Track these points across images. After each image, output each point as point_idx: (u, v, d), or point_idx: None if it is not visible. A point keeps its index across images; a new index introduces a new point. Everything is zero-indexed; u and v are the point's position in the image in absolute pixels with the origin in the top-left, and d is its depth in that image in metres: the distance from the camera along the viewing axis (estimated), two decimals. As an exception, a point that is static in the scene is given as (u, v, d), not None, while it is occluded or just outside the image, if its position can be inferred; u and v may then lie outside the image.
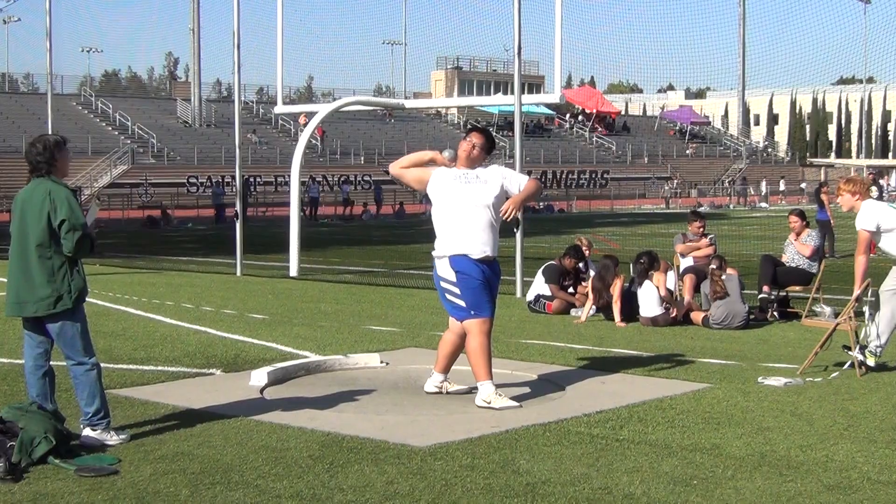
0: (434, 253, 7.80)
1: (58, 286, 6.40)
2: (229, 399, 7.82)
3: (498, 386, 7.71)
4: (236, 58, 19.62)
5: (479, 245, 7.62)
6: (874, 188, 24.19)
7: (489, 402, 7.56)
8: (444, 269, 7.71)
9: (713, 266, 12.26)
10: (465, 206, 7.64)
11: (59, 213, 6.34)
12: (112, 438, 6.50)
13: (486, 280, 7.68)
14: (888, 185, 64.71)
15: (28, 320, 6.56)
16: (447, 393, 8.06)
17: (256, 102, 72.48)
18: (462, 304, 7.65)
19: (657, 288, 12.12)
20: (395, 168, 8.01)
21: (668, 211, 54.61)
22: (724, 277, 12.04)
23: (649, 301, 12.11)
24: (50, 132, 19.43)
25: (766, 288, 12.69)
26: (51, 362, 6.68)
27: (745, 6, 77.39)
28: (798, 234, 13.13)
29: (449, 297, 7.72)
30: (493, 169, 7.91)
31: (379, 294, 15.76)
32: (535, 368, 9.18)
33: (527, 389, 8.28)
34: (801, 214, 13.38)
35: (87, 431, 6.51)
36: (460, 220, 7.63)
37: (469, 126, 8.26)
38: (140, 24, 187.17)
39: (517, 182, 7.80)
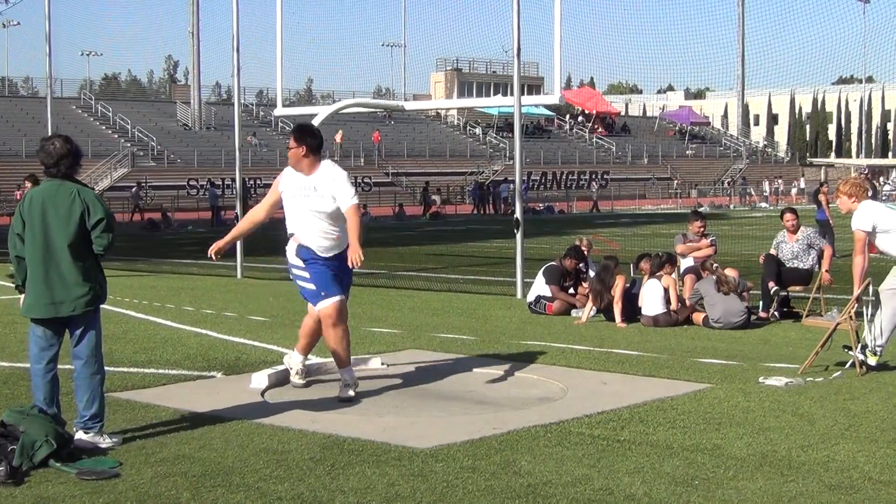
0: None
1: (92, 284, 6.54)
2: (230, 402, 7.82)
3: (496, 381, 7.72)
4: (236, 61, 19.63)
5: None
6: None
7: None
8: (292, 256, 8.09)
9: (716, 266, 12.31)
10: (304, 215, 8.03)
11: (95, 213, 6.48)
12: (105, 441, 6.50)
13: (334, 271, 7.98)
14: (881, 184, 64.68)
15: (51, 322, 6.53)
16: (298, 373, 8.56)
17: (256, 105, 72.63)
18: (312, 287, 7.95)
19: (666, 290, 12.09)
20: None
21: (595, 213, 53.45)
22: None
23: (653, 299, 12.08)
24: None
25: (771, 283, 12.62)
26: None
27: (744, 6, 77.63)
28: (794, 232, 13.07)
29: (301, 283, 8.09)
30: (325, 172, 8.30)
31: (379, 296, 15.75)
32: (536, 369, 9.18)
33: (528, 390, 8.28)
34: (796, 212, 13.35)
35: (79, 434, 6.50)
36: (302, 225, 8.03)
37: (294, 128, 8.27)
38: (140, 27, 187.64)
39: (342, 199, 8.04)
